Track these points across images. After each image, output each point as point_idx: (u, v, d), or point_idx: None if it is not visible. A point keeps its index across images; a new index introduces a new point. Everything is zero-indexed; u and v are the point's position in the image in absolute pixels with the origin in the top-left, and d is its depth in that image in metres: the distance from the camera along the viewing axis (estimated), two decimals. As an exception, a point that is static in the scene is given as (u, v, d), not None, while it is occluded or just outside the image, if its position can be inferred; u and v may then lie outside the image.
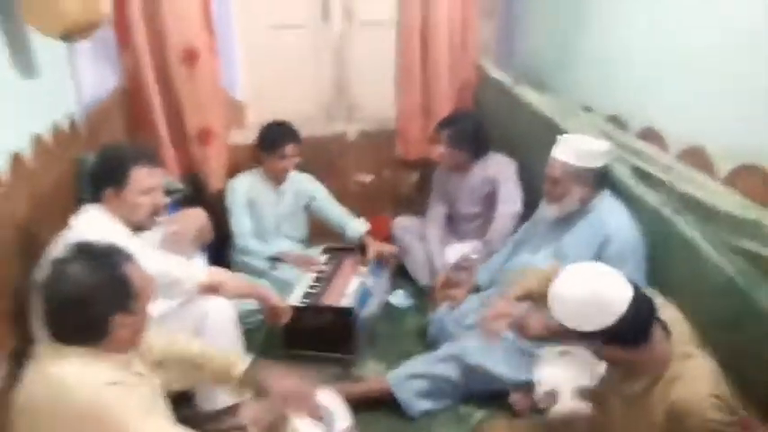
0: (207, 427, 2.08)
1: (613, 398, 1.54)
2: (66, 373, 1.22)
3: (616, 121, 2.58)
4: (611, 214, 2.19)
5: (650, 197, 2.12)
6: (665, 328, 1.44)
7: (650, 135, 2.38)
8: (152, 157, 2.03)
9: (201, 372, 1.66)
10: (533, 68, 3.25)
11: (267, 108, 3.29)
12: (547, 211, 2.32)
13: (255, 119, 3.29)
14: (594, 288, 1.38)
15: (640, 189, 2.18)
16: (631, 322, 1.36)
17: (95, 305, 1.26)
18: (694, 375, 1.37)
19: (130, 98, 2.97)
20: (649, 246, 2.13)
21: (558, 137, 2.29)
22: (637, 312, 1.36)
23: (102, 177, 1.94)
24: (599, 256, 2.13)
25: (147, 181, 1.94)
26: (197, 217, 2.49)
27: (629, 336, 1.38)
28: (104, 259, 1.30)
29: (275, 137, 2.91)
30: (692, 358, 1.41)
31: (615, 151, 2.28)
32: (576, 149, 2.19)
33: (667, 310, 1.51)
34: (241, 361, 1.69)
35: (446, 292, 2.73)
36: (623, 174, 2.25)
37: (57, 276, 1.27)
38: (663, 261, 2.06)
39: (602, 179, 2.23)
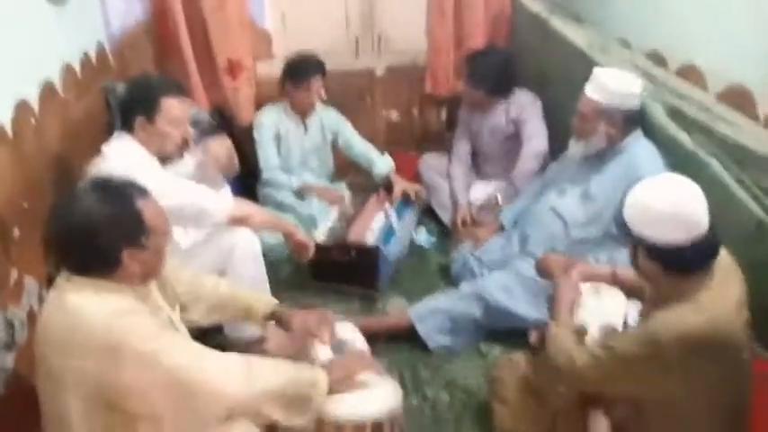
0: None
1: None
2: (82, 303, 1.22)
3: (655, 56, 2.47)
4: (642, 156, 2.12)
5: (685, 138, 2.05)
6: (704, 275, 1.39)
7: (690, 72, 2.28)
8: (181, 89, 2.04)
9: (225, 311, 1.70)
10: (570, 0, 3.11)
11: (294, 40, 3.24)
12: (572, 147, 2.27)
13: (282, 51, 3.25)
14: (683, 202, 1.34)
15: (675, 130, 2.10)
16: (700, 249, 1.33)
17: (104, 237, 1.24)
18: (691, 309, 1.33)
19: (158, 28, 2.95)
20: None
21: (597, 68, 2.21)
22: (708, 242, 1.34)
23: (132, 106, 1.96)
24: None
25: (176, 111, 1.95)
26: (221, 145, 2.50)
27: (693, 260, 1.35)
28: (118, 193, 1.29)
29: (301, 69, 2.87)
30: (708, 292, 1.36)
31: (650, 90, 2.20)
32: (606, 88, 2.11)
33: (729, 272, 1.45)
34: (264, 302, 1.73)
35: (470, 231, 2.73)
36: (658, 113, 2.17)
37: (69, 206, 1.28)
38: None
39: (634, 120, 2.16)
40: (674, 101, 2.17)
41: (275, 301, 1.76)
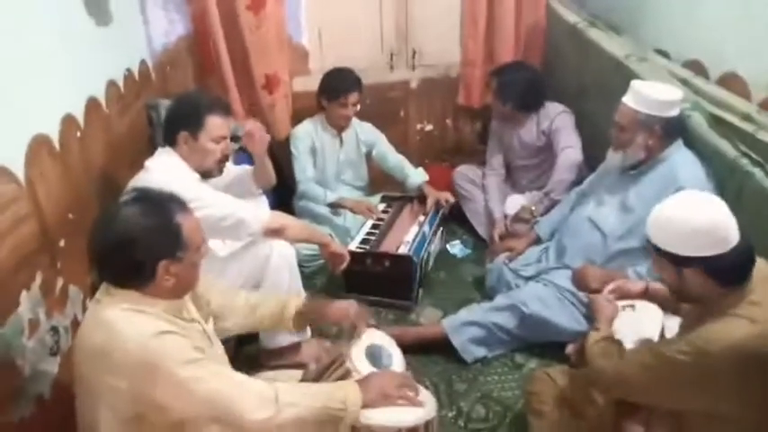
0: (269, 364, 2.19)
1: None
2: (117, 320, 1.23)
3: (695, 65, 2.42)
4: (683, 166, 2.08)
5: (727, 148, 2.00)
6: (743, 285, 1.36)
7: (732, 81, 2.23)
8: (226, 108, 2.10)
9: (255, 316, 1.70)
10: (606, 9, 3.07)
11: (330, 55, 3.28)
12: (610, 158, 2.24)
13: (318, 66, 3.29)
14: (712, 215, 1.33)
15: (717, 139, 2.05)
16: (735, 259, 1.32)
17: (142, 248, 1.25)
18: (742, 316, 1.30)
19: (198, 45, 3.03)
20: (723, 198, 2.01)
21: (632, 81, 2.18)
22: (742, 252, 1.33)
23: (177, 121, 2.01)
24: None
25: (219, 129, 2.01)
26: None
27: (727, 273, 1.34)
28: (158, 206, 1.31)
29: (337, 84, 2.91)
30: (757, 305, 1.32)
31: (690, 99, 2.15)
32: (645, 97, 2.08)
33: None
34: (294, 300, 1.73)
35: (505, 244, 2.71)
36: (699, 123, 2.13)
37: (111, 217, 1.30)
38: (739, 214, 1.95)
39: (673, 129, 2.12)
40: (716, 110, 2.13)
41: (303, 296, 1.77)
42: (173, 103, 2.16)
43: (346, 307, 1.70)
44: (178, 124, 2.00)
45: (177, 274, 1.30)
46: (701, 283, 1.35)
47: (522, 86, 2.83)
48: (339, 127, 3.03)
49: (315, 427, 1.32)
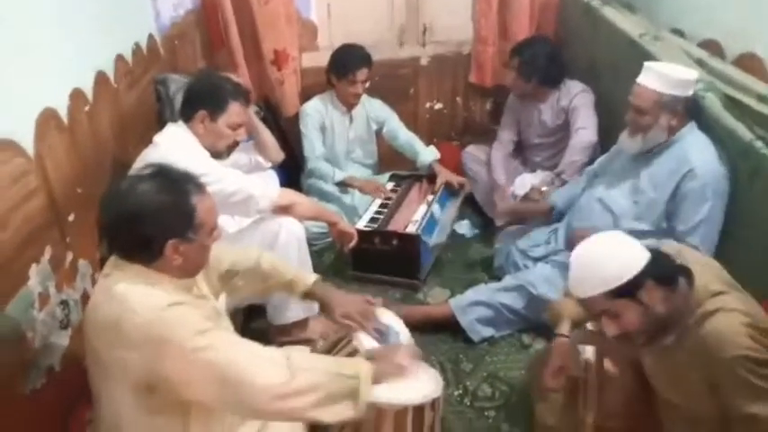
0: (278, 340, 2.20)
1: (647, 357, 1.51)
2: (129, 293, 1.23)
3: (711, 45, 2.37)
4: (695, 148, 2.04)
5: (742, 130, 1.97)
6: (688, 276, 1.40)
7: (750, 62, 2.18)
8: (247, 97, 2.12)
9: (267, 283, 1.70)
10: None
11: (339, 31, 3.24)
12: (628, 144, 2.16)
13: (327, 42, 3.26)
14: (611, 236, 1.42)
15: (732, 121, 2.02)
16: (665, 258, 1.38)
17: (153, 224, 1.24)
18: (725, 309, 1.33)
19: (206, 19, 3.00)
20: (736, 181, 2.00)
21: (645, 62, 2.13)
22: (657, 259, 1.38)
23: (199, 99, 2.02)
24: (678, 190, 2.02)
25: (238, 117, 2.03)
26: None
27: (670, 271, 1.39)
28: (177, 184, 1.29)
29: (347, 61, 2.88)
30: (722, 294, 1.36)
31: (705, 80, 2.11)
32: (667, 76, 2.02)
33: (694, 255, 1.49)
34: (306, 276, 1.73)
35: (517, 211, 2.71)
36: (714, 104, 2.09)
37: (126, 189, 1.29)
38: (751, 197, 1.94)
39: (689, 110, 2.08)
40: (731, 91, 2.09)
41: (316, 277, 1.73)
42: (197, 80, 2.16)
43: (351, 312, 1.64)
44: (200, 102, 2.01)
45: (186, 253, 1.29)
46: (661, 297, 1.37)
47: (545, 60, 2.79)
48: (349, 104, 3.00)
49: (331, 401, 1.26)
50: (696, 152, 2.03)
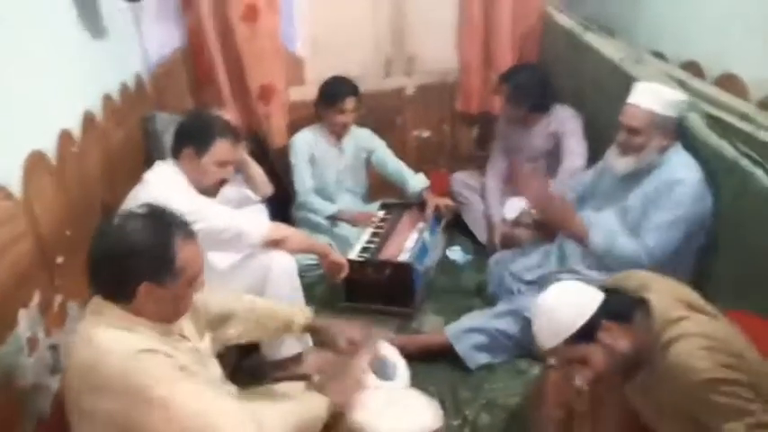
0: (272, 376, 2.17)
1: (630, 394, 1.50)
2: (103, 338, 1.20)
3: (692, 67, 2.42)
4: (682, 165, 2.07)
5: (727, 148, 2.00)
6: (645, 307, 1.42)
7: (730, 82, 2.22)
8: (237, 135, 2.12)
9: (265, 327, 1.69)
10: (601, 13, 3.08)
11: (325, 64, 3.28)
12: (620, 164, 2.17)
13: (314, 75, 3.29)
14: (562, 295, 1.47)
15: (716, 140, 2.05)
16: (618, 295, 1.44)
17: (130, 263, 1.21)
18: (684, 335, 1.33)
19: (193, 56, 3.02)
20: (723, 200, 2.02)
21: (628, 85, 2.16)
22: (610, 298, 1.44)
23: (187, 136, 2.03)
24: (656, 203, 2.05)
25: (225, 155, 2.03)
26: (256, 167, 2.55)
27: (624, 306, 1.43)
28: (163, 226, 1.26)
29: (334, 91, 2.91)
30: (681, 321, 1.36)
31: (689, 101, 2.15)
32: (660, 96, 2.06)
33: (657, 283, 1.50)
34: (303, 311, 1.73)
35: (508, 240, 2.75)
36: (697, 124, 2.12)
37: (114, 225, 1.27)
38: (738, 214, 1.96)
39: (676, 130, 2.11)
40: (714, 111, 2.12)
41: (310, 311, 1.75)
42: (187, 117, 2.19)
43: (353, 333, 1.67)
44: (186, 139, 2.02)
45: (159, 300, 1.25)
46: (621, 335, 1.39)
47: (535, 87, 2.83)
48: (337, 134, 3.02)
49: None
50: (683, 169, 2.06)
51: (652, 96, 2.07)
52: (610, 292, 1.47)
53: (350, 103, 2.91)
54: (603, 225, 2.20)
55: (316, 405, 1.39)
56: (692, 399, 1.28)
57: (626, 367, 1.42)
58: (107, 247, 1.24)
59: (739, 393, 1.26)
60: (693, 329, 1.34)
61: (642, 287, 1.48)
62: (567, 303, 1.43)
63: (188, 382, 1.20)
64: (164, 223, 1.27)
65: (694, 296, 1.48)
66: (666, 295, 1.43)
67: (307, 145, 3.01)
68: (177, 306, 1.32)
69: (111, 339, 1.20)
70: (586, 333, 1.39)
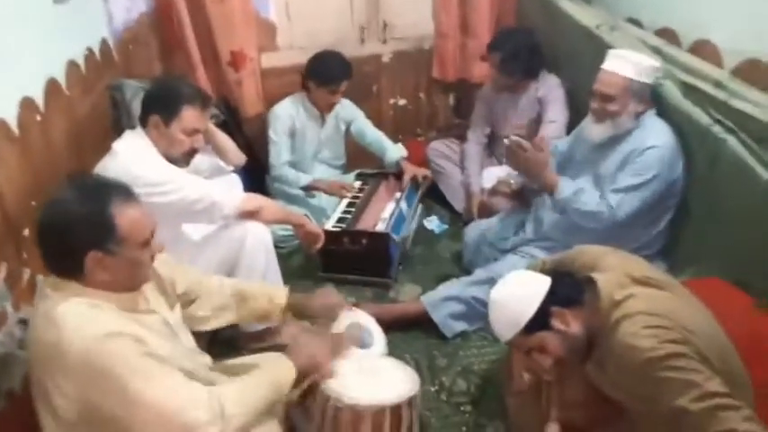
0: (249, 347, 2.16)
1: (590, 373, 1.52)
2: (67, 317, 1.17)
3: (667, 33, 2.42)
4: (655, 131, 2.07)
5: (700, 115, 2.01)
6: (593, 287, 1.43)
7: (704, 48, 2.23)
8: (206, 102, 2.04)
9: (239, 311, 1.68)
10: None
11: (299, 30, 3.21)
12: (596, 131, 2.17)
13: (287, 41, 3.22)
14: (509, 288, 1.49)
15: (690, 107, 2.06)
16: (564, 278, 1.47)
17: (69, 236, 1.19)
18: (627, 315, 1.34)
19: (161, 21, 2.93)
20: (696, 167, 2.04)
21: (604, 53, 2.15)
22: (557, 284, 1.45)
23: (152, 103, 1.96)
24: (626, 167, 2.06)
25: (193, 122, 1.96)
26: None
27: (572, 288, 1.45)
28: (94, 193, 1.23)
29: (331, 72, 2.82)
30: (626, 300, 1.37)
31: (663, 69, 2.15)
32: (635, 63, 2.05)
33: (607, 260, 1.52)
34: (278, 296, 1.71)
35: (486, 208, 2.77)
36: (671, 91, 2.12)
37: (50, 202, 1.25)
38: (712, 181, 1.98)
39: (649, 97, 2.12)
40: (688, 78, 2.12)
41: (286, 290, 1.74)
42: (153, 84, 2.12)
43: (331, 302, 1.69)
44: (152, 106, 1.95)
45: (111, 267, 1.23)
46: (571, 318, 1.42)
47: (527, 53, 2.76)
48: (323, 109, 2.97)
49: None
50: (656, 135, 2.06)
51: (627, 63, 2.06)
52: (558, 275, 1.49)
53: (344, 86, 2.86)
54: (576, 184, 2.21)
55: (282, 373, 1.38)
56: (639, 378, 1.30)
57: (582, 349, 1.44)
58: (46, 221, 1.23)
59: (685, 366, 1.26)
60: (637, 308, 1.35)
61: (592, 265, 1.50)
62: (515, 296, 1.46)
63: (152, 367, 1.18)
64: (97, 190, 1.25)
65: (645, 269, 1.49)
66: (615, 272, 1.44)
67: (288, 117, 2.93)
68: (134, 272, 1.30)
69: (75, 319, 1.17)
70: (539, 322, 1.41)
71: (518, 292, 1.47)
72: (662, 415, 1.28)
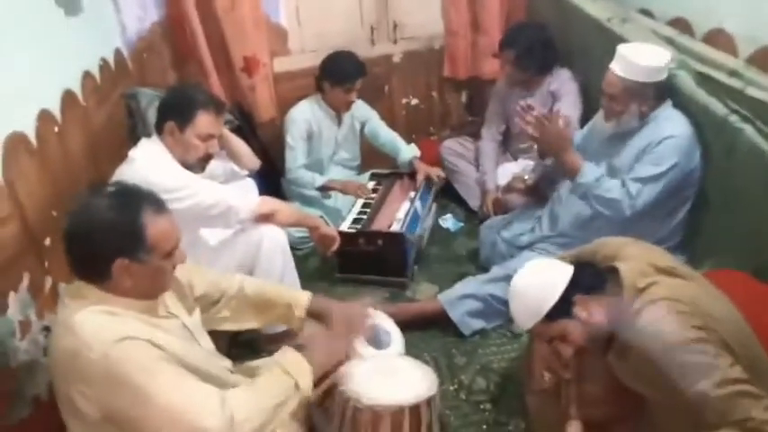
0: (269, 348, 2.17)
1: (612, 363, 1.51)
2: (85, 325, 1.18)
3: (680, 23, 2.39)
4: (671, 122, 2.05)
5: (716, 105, 1.99)
6: (616, 276, 1.43)
7: (718, 38, 2.20)
8: (220, 107, 2.07)
9: (262, 316, 1.69)
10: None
11: (309, 33, 3.22)
12: (604, 126, 2.19)
13: (298, 45, 3.24)
14: (531, 276, 1.49)
15: (705, 97, 2.03)
16: (586, 267, 1.46)
17: (99, 243, 1.21)
18: (652, 301, 1.34)
19: (173, 29, 2.95)
20: (713, 157, 2.02)
21: (616, 45, 2.13)
22: (580, 272, 1.45)
23: (168, 110, 1.99)
24: (643, 158, 2.04)
25: (208, 128, 1.99)
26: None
27: (594, 277, 1.45)
28: (127, 201, 1.25)
29: (346, 72, 2.83)
30: (649, 287, 1.37)
31: (676, 58, 2.12)
32: (634, 64, 2.02)
33: (628, 250, 1.51)
34: (299, 300, 1.70)
35: (501, 205, 2.76)
36: (686, 82, 2.10)
37: (80, 207, 1.26)
38: (729, 171, 1.96)
39: (663, 91, 2.09)
40: (703, 68, 2.10)
41: (308, 295, 1.72)
42: (168, 91, 2.15)
43: (351, 317, 1.64)
44: (167, 113, 1.98)
45: (137, 275, 1.25)
46: (594, 306, 1.41)
47: (541, 48, 2.75)
48: (339, 110, 2.98)
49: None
50: (672, 125, 2.05)
51: (627, 64, 2.03)
52: (580, 264, 1.48)
53: (359, 84, 2.87)
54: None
55: (296, 371, 1.37)
56: (662, 364, 1.29)
57: (604, 338, 1.43)
58: (76, 226, 1.24)
59: (707, 351, 1.26)
60: (661, 294, 1.34)
61: (614, 255, 1.49)
62: (537, 283, 1.45)
63: (166, 372, 1.20)
64: (130, 198, 1.27)
65: (666, 259, 1.49)
66: (637, 262, 1.44)
67: (305, 121, 2.93)
68: (157, 280, 1.32)
69: (93, 326, 1.19)
70: (561, 309, 1.41)
71: (540, 279, 1.46)
72: (682, 403, 1.27)
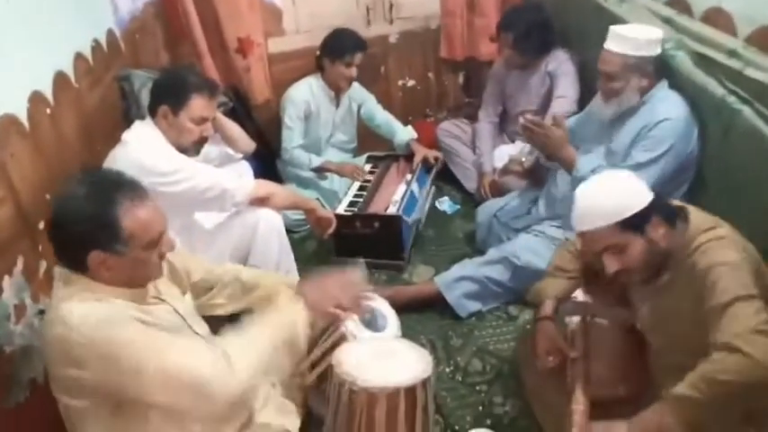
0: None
1: (637, 298, 1.54)
2: (72, 312, 1.18)
3: (678, 2, 2.36)
4: (667, 103, 2.04)
5: (714, 86, 1.97)
6: (686, 216, 1.46)
7: (717, 17, 2.18)
8: (213, 90, 2.05)
9: (250, 296, 1.67)
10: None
11: (304, 14, 3.19)
12: (604, 110, 2.16)
13: (293, 26, 3.20)
14: (619, 180, 1.47)
15: (703, 78, 2.02)
16: (662, 206, 1.44)
17: (73, 235, 1.19)
18: (716, 237, 1.38)
19: (167, 10, 2.92)
20: (711, 138, 2.01)
21: (610, 27, 2.12)
22: (659, 198, 1.45)
23: (162, 93, 1.97)
24: (640, 142, 2.04)
25: (202, 110, 1.97)
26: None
27: (671, 208, 1.45)
28: (102, 193, 1.21)
29: (344, 44, 2.82)
30: (712, 229, 1.41)
31: (673, 38, 2.10)
32: (631, 39, 2.01)
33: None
34: (287, 284, 1.67)
35: (498, 188, 2.77)
36: (684, 62, 2.08)
37: (59, 196, 1.24)
38: (726, 153, 1.95)
39: (659, 69, 2.08)
40: (701, 48, 2.08)
41: (296, 280, 1.72)
42: (161, 74, 2.12)
43: (335, 310, 1.56)
44: (161, 96, 1.96)
45: (115, 267, 1.22)
46: (663, 234, 1.42)
47: (538, 30, 2.73)
48: (338, 88, 2.95)
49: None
50: (667, 106, 2.03)
51: (623, 40, 2.02)
52: (658, 194, 1.47)
53: (358, 58, 2.84)
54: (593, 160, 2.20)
55: (290, 311, 1.39)
56: (714, 302, 1.30)
57: (654, 267, 1.45)
58: (55, 215, 1.23)
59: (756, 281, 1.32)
60: (725, 234, 1.39)
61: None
62: (624, 189, 1.44)
63: (156, 337, 1.20)
64: (105, 189, 1.23)
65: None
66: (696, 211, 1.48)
67: (303, 102, 2.91)
68: (138, 271, 1.28)
69: (79, 313, 1.18)
70: (637, 222, 1.40)
71: (628, 186, 1.45)
72: (703, 336, 1.29)
